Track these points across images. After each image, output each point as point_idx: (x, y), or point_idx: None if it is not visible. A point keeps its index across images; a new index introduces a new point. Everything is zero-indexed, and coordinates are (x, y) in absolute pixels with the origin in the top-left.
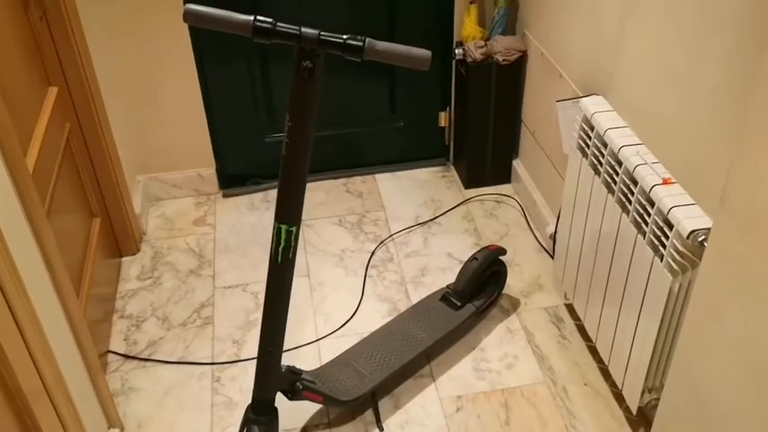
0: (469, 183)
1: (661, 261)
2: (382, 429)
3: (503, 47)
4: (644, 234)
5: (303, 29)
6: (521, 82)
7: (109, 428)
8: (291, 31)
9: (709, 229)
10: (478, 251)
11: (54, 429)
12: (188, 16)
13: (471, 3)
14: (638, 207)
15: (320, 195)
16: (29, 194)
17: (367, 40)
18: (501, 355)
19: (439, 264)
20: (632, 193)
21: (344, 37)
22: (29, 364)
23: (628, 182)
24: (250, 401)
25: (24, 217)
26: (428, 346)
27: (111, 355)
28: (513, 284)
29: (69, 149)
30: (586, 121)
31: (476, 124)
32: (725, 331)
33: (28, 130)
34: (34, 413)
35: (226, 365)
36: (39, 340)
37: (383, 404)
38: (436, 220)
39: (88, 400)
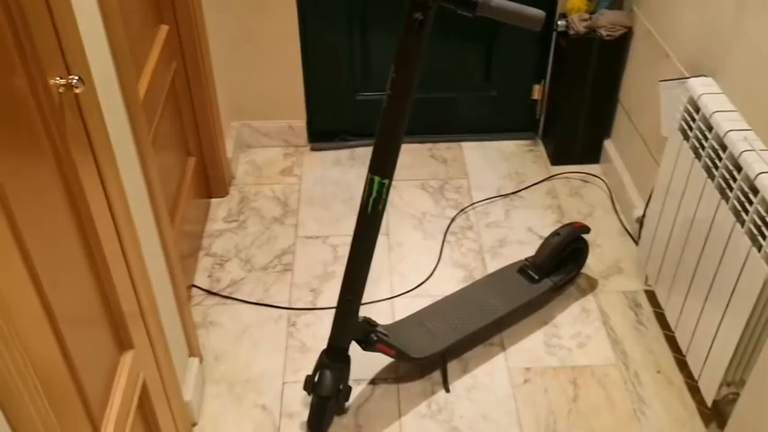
0: (556, 159)
1: (759, 252)
2: (448, 391)
3: (608, 21)
4: (743, 223)
5: None
6: (622, 59)
7: (189, 357)
8: None
9: None
10: (562, 227)
11: (144, 347)
12: None
13: None
14: (740, 194)
15: (405, 158)
16: (138, 123)
17: None
18: (574, 334)
19: (518, 237)
20: (735, 180)
21: None
22: (128, 285)
23: (731, 167)
24: (325, 347)
25: (133, 144)
26: (501, 315)
27: (194, 290)
28: (592, 265)
29: (174, 88)
30: (692, 102)
31: (570, 100)
32: None
33: (140, 64)
34: (129, 331)
35: (302, 311)
36: (138, 264)
37: (452, 366)
38: (519, 193)
39: (174, 327)
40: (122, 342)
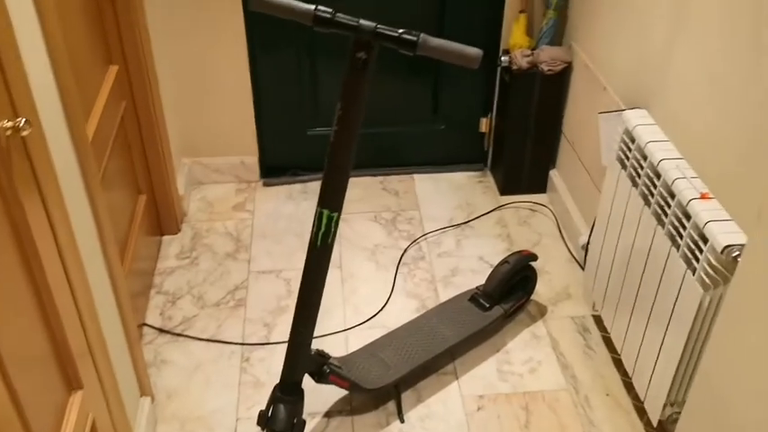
0: (505, 189)
1: (693, 274)
2: (403, 421)
3: (549, 57)
4: (678, 247)
5: (361, 21)
6: (564, 93)
7: (141, 396)
8: (350, 22)
9: (744, 245)
10: (510, 255)
11: (93, 387)
12: (253, 2)
13: (521, 11)
14: (674, 220)
15: (357, 191)
16: (87, 162)
17: (421, 35)
18: (525, 359)
19: (470, 266)
20: (669, 206)
21: (400, 31)
22: (77, 324)
23: (665, 195)
24: (278, 381)
25: (82, 183)
26: (454, 344)
27: (146, 328)
28: (541, 292)
29: (123, 127)
30: (628, 133)
31: (516, 132)
32: (752, 347)
33: (89, 104)
34: (78, 371)
35: (255, 347)
36: (87, 303)
37: (406, 397)
38: (470, 223)
39: (124, 366)
40: (71, 382)
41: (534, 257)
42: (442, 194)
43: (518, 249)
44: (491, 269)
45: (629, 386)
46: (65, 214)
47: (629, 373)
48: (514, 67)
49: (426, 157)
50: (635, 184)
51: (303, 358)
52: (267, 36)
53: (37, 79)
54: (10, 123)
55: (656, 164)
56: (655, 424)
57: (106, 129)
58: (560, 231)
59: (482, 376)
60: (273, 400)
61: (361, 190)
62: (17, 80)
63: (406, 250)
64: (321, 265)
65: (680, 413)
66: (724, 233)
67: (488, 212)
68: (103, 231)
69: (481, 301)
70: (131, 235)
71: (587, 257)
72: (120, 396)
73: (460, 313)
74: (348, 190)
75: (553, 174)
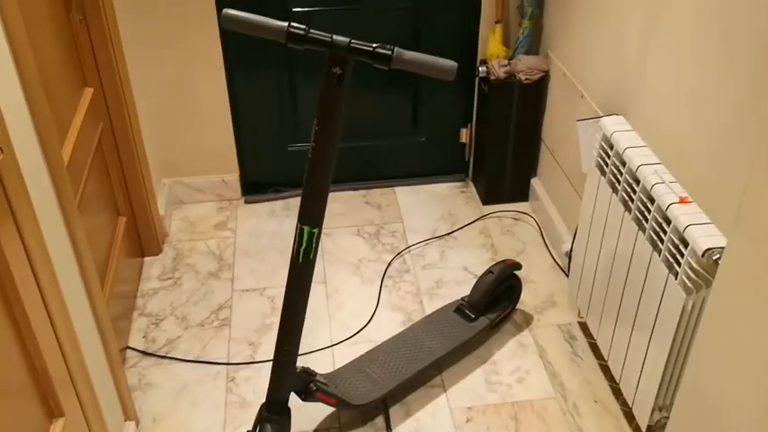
0: (488, 199)
1: (675, 279)
2: None
3: (526, 66)
4: (659, 252)
5: (334, 36)
6: (542, 101)
7: (125, 421)
8: (323, 37)
9: (723, 247)
10: (494, 264)
11: (75, 414)
12: (225, 20)
13: (497, 22)
14: (655, 225)
15: (340, 206)
16: (63, 187)
17: (395, 49)
18: (512, 369)
19: (454, 277)
20: (649, 212)
21: (374, 45)
22: (56, 350)
23: (645, 200)
24: (264, 401)
25: (59, 208)
26: (440, 356)
27: (129, 352)
28: (527, 300)
29: (101, 149)
30: (606, 140)
31: (496, 142)
32: (736, 349)
33: (64, 128)
34: (59, 398)
35: (241, 366)
36: (66, 329)
37: (394, 411)
38: (453, 234)
39: (107, 391)
40: (52, 410)
41: (518, 266)
42: (425, 206)
43: (502, 259)
44: (476, 280)
45: (617, 392)
46: (41, 240)
47: (617, 379)
48: (492, 78)
49: (408, 170)
50: (615, 190)
51: (289, 376)
52: (244, 53)
53: (9, 104)
54: None
55: (634, 169)
56: (644, 429)
57: (83, 152)
58: (544, 239)
59: (470, 388)
60: (260, 419)
61: (343, 204)
62: None
63: (390, 263)
64: (304, 282)
65: (668, 417)
66: (704, 236)
67: (471, 223)
68: (82, 256)
69: (467, 311)
70: (112, 258)
71: (571, 264)
72: (104, 422)
73: (446, 325)
74: (330, 204)
75: (534, 182)
